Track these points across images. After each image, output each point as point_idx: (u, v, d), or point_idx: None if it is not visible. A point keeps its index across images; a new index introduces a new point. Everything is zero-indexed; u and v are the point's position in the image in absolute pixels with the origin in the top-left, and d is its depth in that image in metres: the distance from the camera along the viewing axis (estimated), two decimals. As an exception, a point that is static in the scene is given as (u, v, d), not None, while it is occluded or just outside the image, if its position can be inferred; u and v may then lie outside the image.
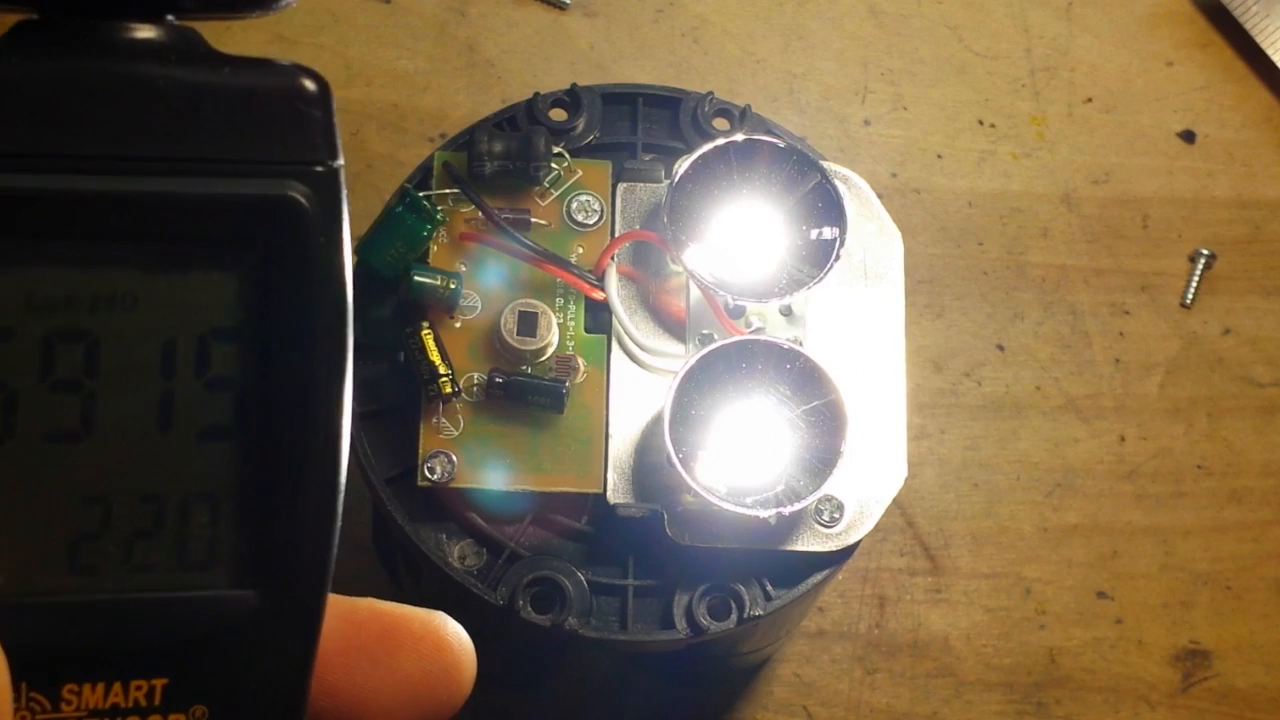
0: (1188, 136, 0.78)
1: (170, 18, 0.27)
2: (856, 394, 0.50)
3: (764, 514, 0.48)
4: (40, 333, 0.27)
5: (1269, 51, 0.78)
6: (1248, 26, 0.79)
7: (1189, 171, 0.77)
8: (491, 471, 0.50)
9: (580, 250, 0.53)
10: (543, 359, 0.51)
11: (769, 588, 0.51)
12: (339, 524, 0.28)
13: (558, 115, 0.55)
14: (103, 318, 0.27)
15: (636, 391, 0.51)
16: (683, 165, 0.51)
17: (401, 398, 0.51)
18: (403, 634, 0.30)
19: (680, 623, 0.50)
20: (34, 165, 0.26)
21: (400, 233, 0.52)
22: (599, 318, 0.52)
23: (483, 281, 0.52)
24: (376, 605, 0.30)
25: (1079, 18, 0.80)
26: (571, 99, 0.55)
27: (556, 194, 0.53)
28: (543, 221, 0.53)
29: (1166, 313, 0.75)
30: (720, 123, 0.56)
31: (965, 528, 0.71)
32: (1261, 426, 0.73)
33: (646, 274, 0.52)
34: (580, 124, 0.55)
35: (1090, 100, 0.78)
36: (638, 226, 0.53)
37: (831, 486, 0.48)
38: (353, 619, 0.30)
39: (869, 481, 0.51)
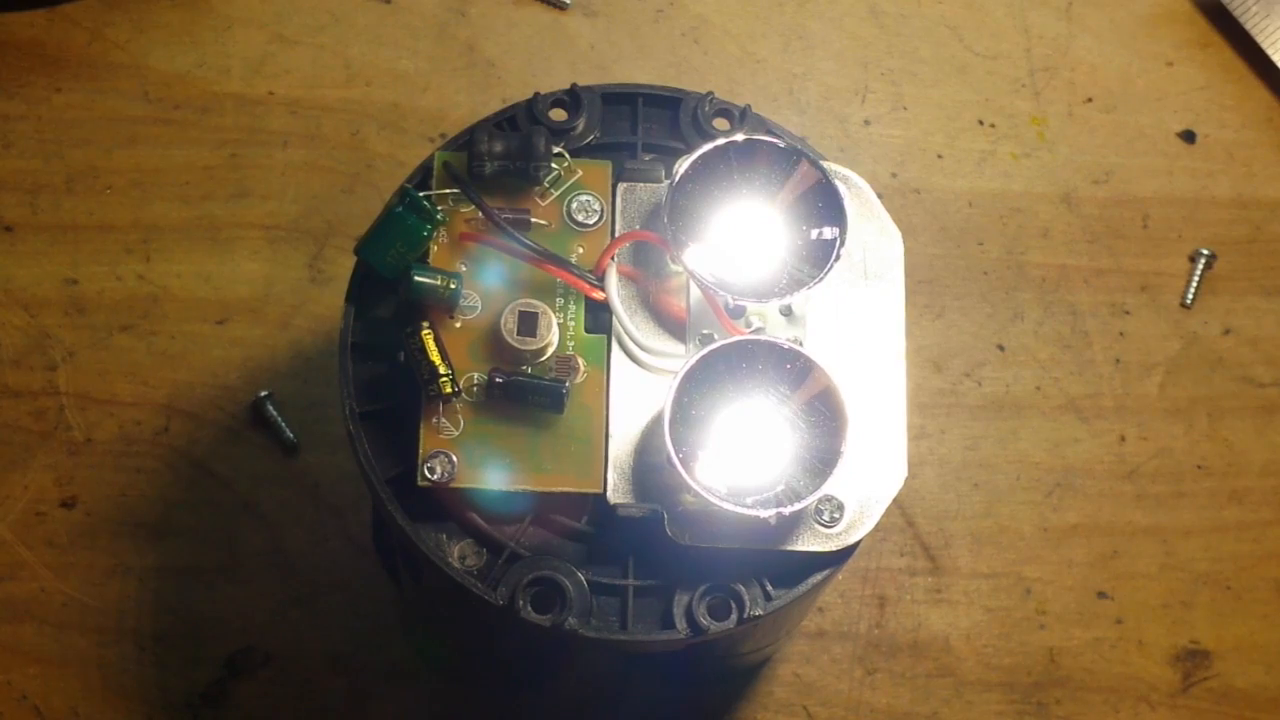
0: (1188, 136, 0.78)
1: None
2: (856, 394, 0.50)
3: (764, 514, 0.48)
4: None
5: (1269, 51, 0.78)
6: (1248, 26, 0.79)
7: (1189, 171, 0.77)
8: (491, 471, 0.50)
9: (580, 250, 0.53)
10: (543, 359, 0.51)
11: (769, 588, 0.51)
12: None
13: (558, 115, 0.55)
14: None
15: (636, 391, 0.51)
16: (683, 165, 0.51)
17: (401, 398, 0.51)
18: None
19: (680, 623, 0.50)
20: None
21: (400, 233, 0.52)
22: (599, 318, 0.52)
23: (483, 281, 0.52)
24: None
25: (1079, 18, 0.80)
26: (571, 99, 0.55)
27: (556, 194, 0.53)
28: (543, 221, 0.53)
29: (1166, 313, 0.75)
30: (720, 123, 0.56)
31: (965, 528, 0.71)
32: (1261, 426, 0.73)
33: (646, 274, 0.52)
34: (580, 124, 0.55)
35: (1090, 100, 0.78)
36: (638, 226, 0.53)
37: (831, 486, 0.48)
38: None
39: (869, 481, 0.51)
